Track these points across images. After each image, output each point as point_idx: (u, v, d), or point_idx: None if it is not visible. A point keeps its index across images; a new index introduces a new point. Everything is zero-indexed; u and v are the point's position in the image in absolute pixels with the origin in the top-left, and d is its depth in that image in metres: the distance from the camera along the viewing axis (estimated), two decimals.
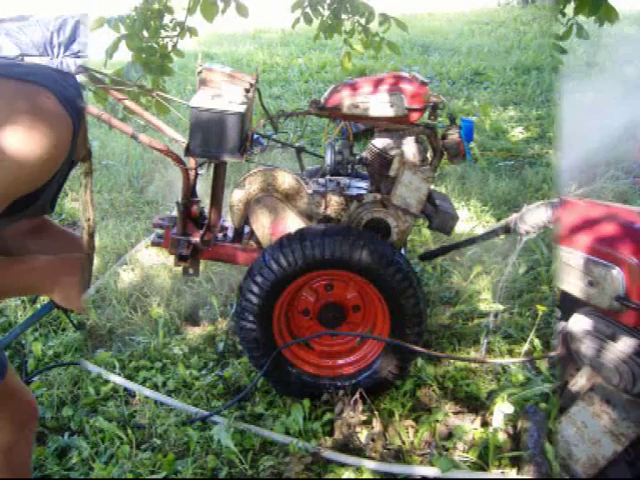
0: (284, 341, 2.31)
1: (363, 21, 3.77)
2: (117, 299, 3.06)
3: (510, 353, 2.59)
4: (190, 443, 2.16)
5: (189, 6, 3.02)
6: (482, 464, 2.03)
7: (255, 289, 2.15)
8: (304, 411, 2.22)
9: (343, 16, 3.78)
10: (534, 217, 2.23)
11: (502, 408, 2.10)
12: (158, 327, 2.79)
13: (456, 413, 2.29)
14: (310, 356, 2.39)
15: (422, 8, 13.06)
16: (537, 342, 2.54)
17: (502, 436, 2.07)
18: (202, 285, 3.18)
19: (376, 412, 2.23)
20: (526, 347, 2.54)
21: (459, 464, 2.01)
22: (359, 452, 2.10)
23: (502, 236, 2.65)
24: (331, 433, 2.18)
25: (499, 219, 3.71)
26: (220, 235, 2.47)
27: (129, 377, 2.55)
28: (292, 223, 2.29)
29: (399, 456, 2.10)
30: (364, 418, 2.21)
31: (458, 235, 3.39)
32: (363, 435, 2.15)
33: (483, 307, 2.91)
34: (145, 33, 3.09)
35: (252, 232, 2.38)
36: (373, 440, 2.14)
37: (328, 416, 2.22)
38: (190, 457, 2.12)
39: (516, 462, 2.01)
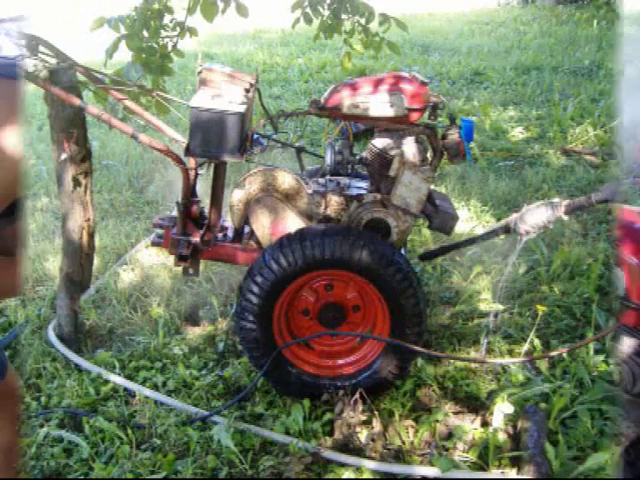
0: (284, 341, 2.31)
1: (363, 21, 3.77)
2: (117, 299, 3.06)
3: (510, 353, 2.59)
4: (190, 443, 2.16)
5: (189, 6, 3.02)
6: (482, 464, 2.03)
7: (255, 289, 2.15)
8: (304, 411, 2.22)
9: (343, 16, 3.77)
10: (534, 217, 2.23)
11: (502, 408, 2.10)
12: (158, 327, 2.79)
13: (456, 413, 2.29)
14: (310, 356, 2.39)
15: (422, 8, 13.06)
16: (537, 342, 2.54)
17: (502, 436, 2.07)
18: (202, 285, 3.18)
19: (376, 412, 2.23)
20: (526, 347, 2.54)
21: (459, 464, 2.01)
22: (359, 452, 2.10)
23: (502, 236, 2.65)
24: (331, 433, 2.18)
25: (499, 219, 3.71)
26: (220, 235, 2.47)
27: (129, 377, 2.55)
28: (292, 223, 2.29)
29: (399, 456, 2.10)
30: (364, 418, 2.21)
31: (458, 235, 3.39)
32: (363, 435, 2.15)
33: (483, 307, 2.91)
34: (145, 33, 3.08)
35: (252, 232, 2.38)
36: (373, 440, 2.14)
37: (328, 416, 2.22)
38: (190, 457, 2.12)
39: (516, 462, 2.01)
